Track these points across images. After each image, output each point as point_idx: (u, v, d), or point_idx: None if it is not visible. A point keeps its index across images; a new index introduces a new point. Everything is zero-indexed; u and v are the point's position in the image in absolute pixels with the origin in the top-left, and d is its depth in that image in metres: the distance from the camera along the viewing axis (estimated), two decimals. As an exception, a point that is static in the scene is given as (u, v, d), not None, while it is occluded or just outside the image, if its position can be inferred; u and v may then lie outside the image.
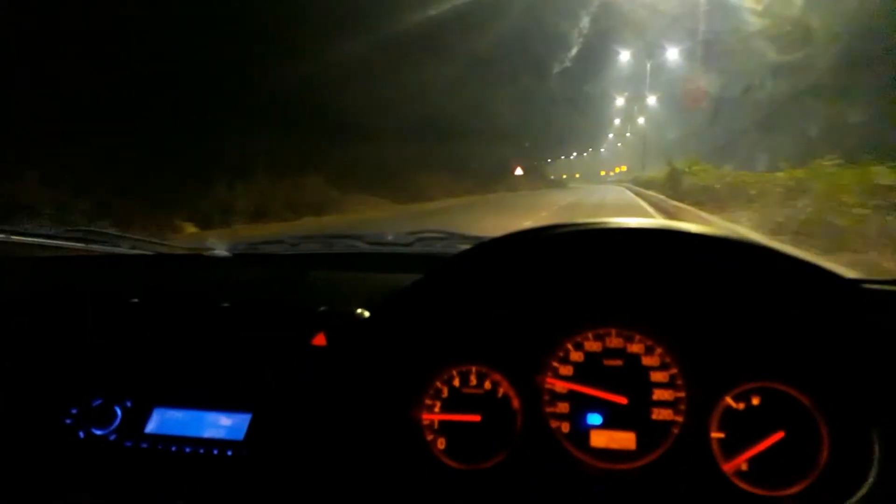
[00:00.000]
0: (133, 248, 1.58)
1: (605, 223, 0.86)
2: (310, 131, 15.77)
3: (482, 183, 30.98)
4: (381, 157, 19.88)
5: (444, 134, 25.28)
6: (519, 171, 33.16)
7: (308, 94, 15.59)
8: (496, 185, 32.86)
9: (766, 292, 0.90)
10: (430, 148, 24.26)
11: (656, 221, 0.87)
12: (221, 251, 1.48)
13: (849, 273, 0.95)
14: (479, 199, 25.62)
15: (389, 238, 1.60)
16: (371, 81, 19.14)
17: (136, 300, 1.11)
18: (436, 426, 0.99)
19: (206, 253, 1.52)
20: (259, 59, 13.46)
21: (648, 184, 27.71)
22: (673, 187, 18.31)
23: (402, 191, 20.61)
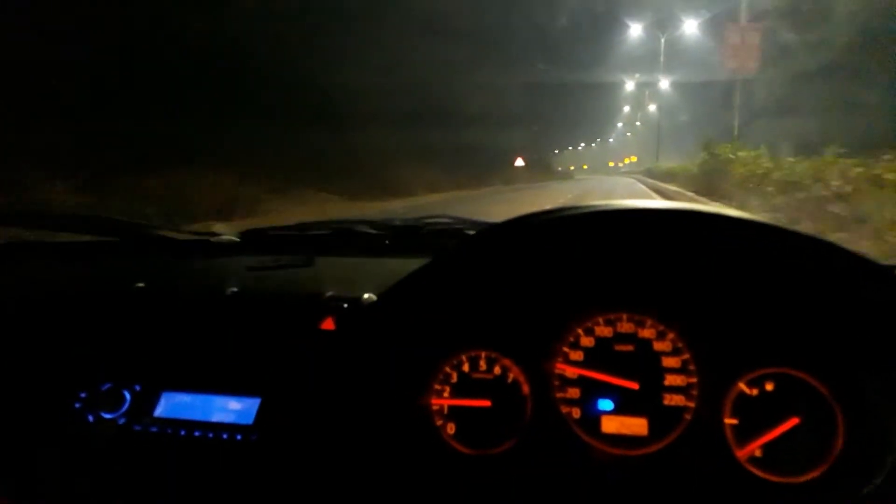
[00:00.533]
0: (140, 233, 1.58)
1: (617, 205, 0.84)
2: (249, 113, 12.28)
3: (477, 175, 27.82)
4: (356, 146, 17.24)
5: (438, 121, 22.47)
6: (520, 163, 30.05)
7: (260, 67, 12.88)
8: (493, 177, 30.02)
9: (784, 276, 0.88)
10: (419, 136, 21.21)
11: (668, 203, 0.86)
12: (229, 236, 1.47)
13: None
14: (466, 194, 22.84)
15: (397, 223, 1.59)
16: (350, 58, 16.89)
17: (142, 285, 1.10)
18: (445, 411, 0.98)
19: (213, 239, 1.52)
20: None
21: (668, 176, 23.55)
22: (709, 182, 13.09)
23: (372, 185, 17.39)
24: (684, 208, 0.83)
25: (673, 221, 0.85)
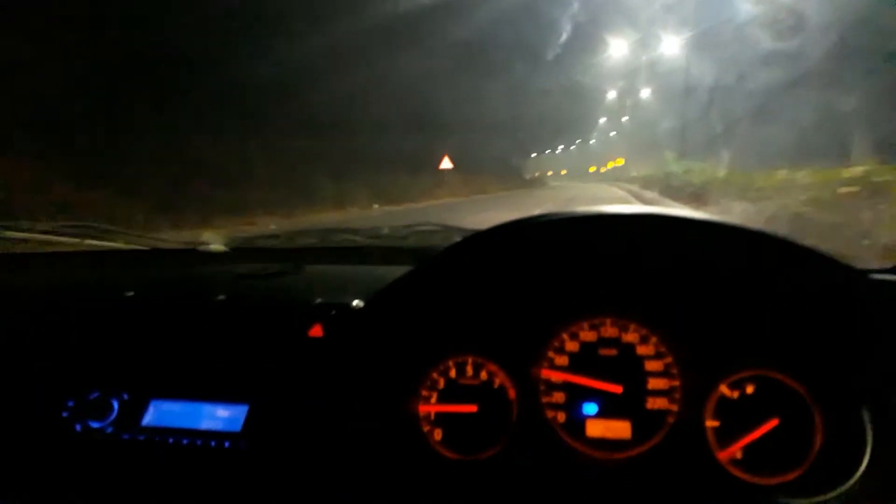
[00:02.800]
0: (128, 242, 1.59)
1: (597, 211, 0.86)
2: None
3: (400, 187, 19.05)
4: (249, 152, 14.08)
5: (364, 126, 18.30)
6: (446, 164, 19.26)
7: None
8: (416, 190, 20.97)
9: (762, 279, 0.90)
10: (343, 142, 17.07)
11: (648, 208, 0.87)
12: (217, 245, 1.48)
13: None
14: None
15: (385, 231, 1.61)
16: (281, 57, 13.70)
17: (131, 293, 1.11)
18: (432, 417, 0.99)
19: (201, 248, 1.53)
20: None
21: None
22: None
23: (226, 208, 12.82)
24: (657, 213, 0.85)
25: (646, 225, 0.87)
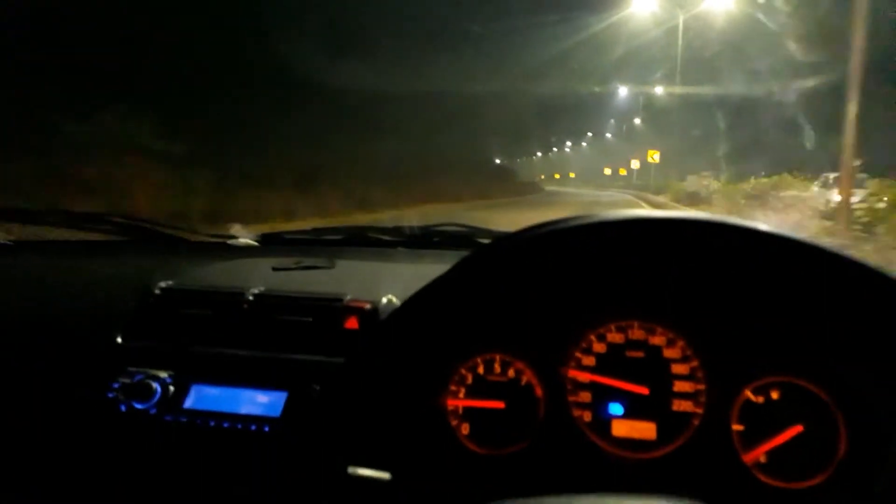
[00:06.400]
0: (159, 234, 1.62)
1: (627, 215, 0.87)
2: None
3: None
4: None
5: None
6: None
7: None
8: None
9: (789, 285, 0.91)
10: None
11: (680, 213, 0.88)
12: (247, 239, 1.51)
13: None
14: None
15: (408, 230, 1.63)
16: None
17: (170, 282, 1.14)
18: (460, 412, 1.01)
19: (230, 241, 1.56)
20: None
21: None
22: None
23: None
24: (690, 217, 0.86)
25: (679, 230, 0.88)
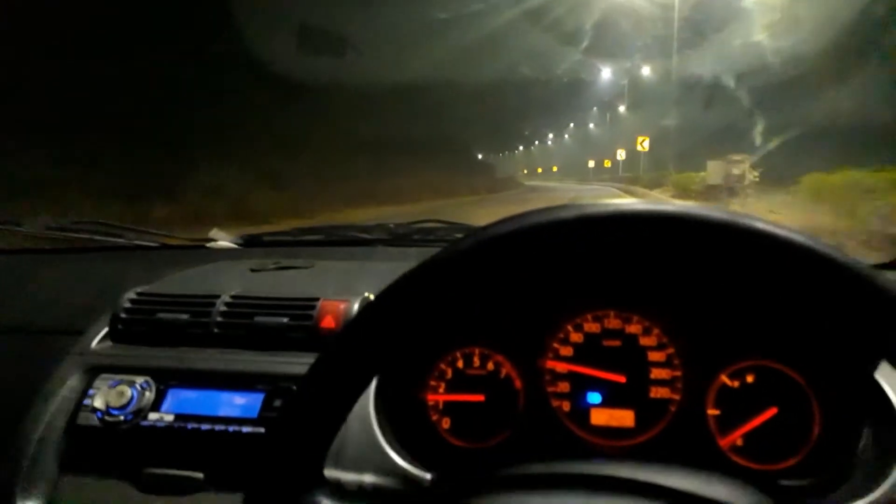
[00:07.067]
0: (137, 239, 1.61)
1: (604, 208, 0.88)
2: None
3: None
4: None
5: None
6: None
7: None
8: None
9: (760, 272, 0.92)
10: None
11: (650, 204, 0.89)
12: (227, 241, 1.51)
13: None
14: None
15: (390, 228, 1.63)
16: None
17: (146, 287, 1.13)
18: (440, 406, 1.02)
19: (210, 244, 1.55)
20: None
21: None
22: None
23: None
24: (662, 210, 0.87)
25: (653, 221, 0.89)
